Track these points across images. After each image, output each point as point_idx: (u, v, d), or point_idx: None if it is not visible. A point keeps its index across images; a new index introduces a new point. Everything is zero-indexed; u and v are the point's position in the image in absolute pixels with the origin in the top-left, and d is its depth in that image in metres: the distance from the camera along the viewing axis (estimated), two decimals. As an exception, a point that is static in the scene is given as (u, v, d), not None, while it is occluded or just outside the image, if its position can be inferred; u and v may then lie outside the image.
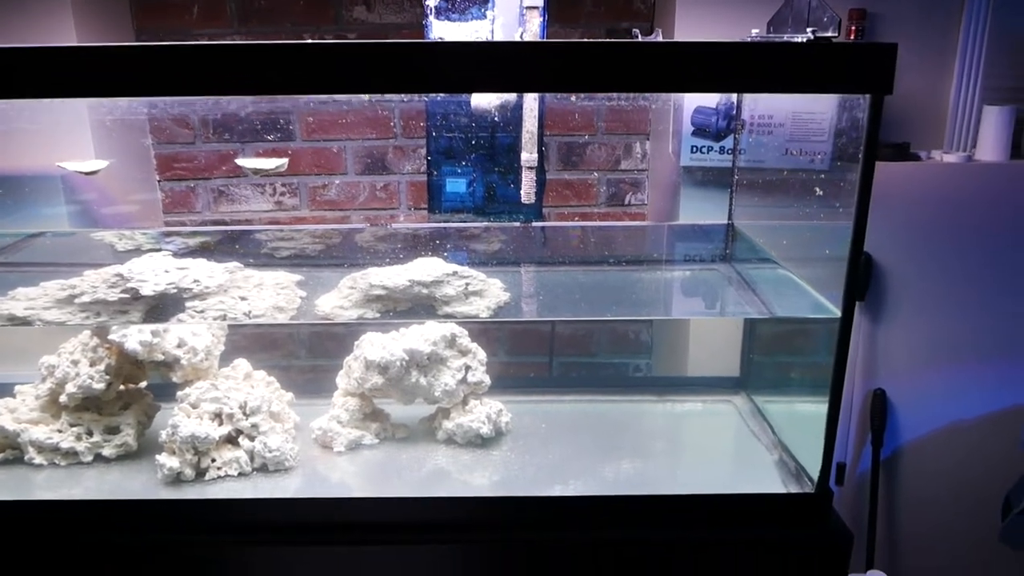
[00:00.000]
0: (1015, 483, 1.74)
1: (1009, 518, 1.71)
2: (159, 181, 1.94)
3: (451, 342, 1.34)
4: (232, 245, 1.58)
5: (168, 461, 1.22)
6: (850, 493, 1.95)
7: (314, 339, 1.97)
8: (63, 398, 1.26)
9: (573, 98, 1.82)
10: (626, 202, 1.96)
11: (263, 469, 1.26)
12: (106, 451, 1.28)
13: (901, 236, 1.78)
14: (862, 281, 1.78)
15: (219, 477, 1.23)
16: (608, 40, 0.99)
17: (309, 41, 0.98)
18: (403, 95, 1.83)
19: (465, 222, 1.54)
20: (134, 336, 1.27)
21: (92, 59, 0.96)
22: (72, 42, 1.65)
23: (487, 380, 1.36)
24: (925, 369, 1.86)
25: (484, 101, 1.39)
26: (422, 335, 1.33)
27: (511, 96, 1.38)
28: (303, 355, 1.99)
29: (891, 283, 1.81)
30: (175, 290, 1.25)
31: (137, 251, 1.48)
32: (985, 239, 1.78)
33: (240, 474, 1.24)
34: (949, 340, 1.84)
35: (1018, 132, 1.79)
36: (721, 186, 1.55)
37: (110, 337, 1.28)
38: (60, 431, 1.27)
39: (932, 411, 1.89)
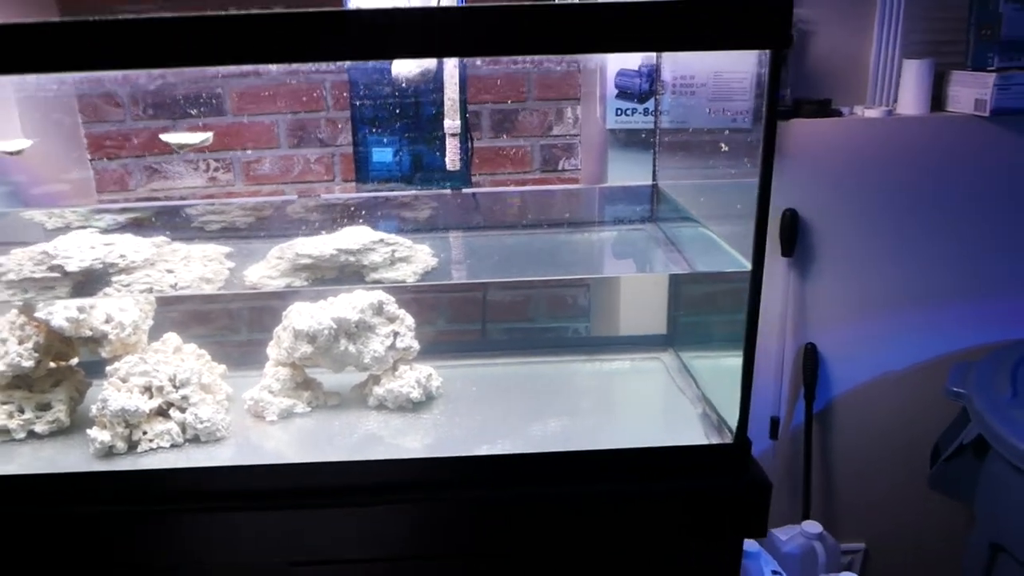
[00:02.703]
0: (944, 430, 1.80)
1: (938, 464, 1.77)
2: (91, 160, 1.92)
3: (378, 309, 1.36)
4: (162, 220, 1.57)
5: (99, 435, 1.22)
6: (785, 446, 2.01)
7: (247, 312, 1.98)
8: (-9, 377, 1.27)
9: (504, 62, 1.83)
10: (560, 167, 1.98)
11: (195, 440, 1.27)
12: (38, 427, 1.28)
13: (826, 192, 1.83)
14: (789, 237, 1.82)
15: (151, 449, 1.25)
16: (510, 4, 1.00)
17: (227, 12, 0.98)
18: (332, 66, 1.84)
19: (392, 191, 1.55)
20: (60, 313, 1.27)
21: (13, 36, 0.95)
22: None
23: (416, 345, 1.38)
24: (854, 322, 1.91)
25: (405, 69, 1.39)
26: (350, 303, 1.35)
27: (432, 63, 1.39)
28: (236, 328, 1.99)
29: (818, 238, 1.85)
30: (100, 265, 1.25)
31: (67, 229, 1.47)
32: (908, 191, 1.83)
33: (172, 445, 1.26)
34: (876, 292, 1.89)
35: (937, 85, 1.83)
36: (646, 147, 1.58)
37: (36, 315, 1.28)
38: (-10, 410, 1.28)
39: (862, 363, 1.95)
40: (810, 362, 1.90)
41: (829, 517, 2.06)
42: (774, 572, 1.66)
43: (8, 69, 1.01)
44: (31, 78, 1.41)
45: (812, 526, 1.83)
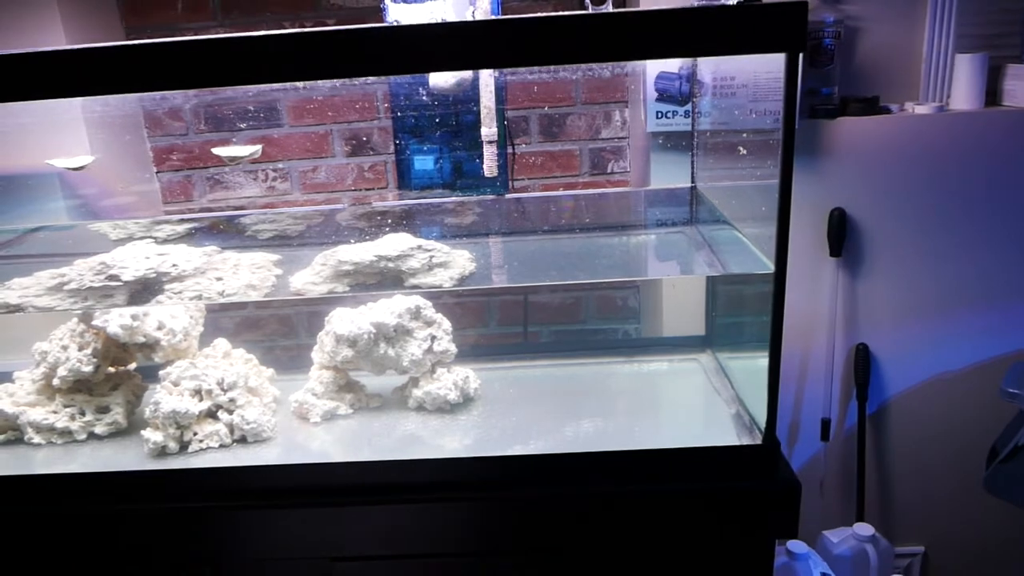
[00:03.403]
0: (1000, 432, 1.74)
1: (992, 466, 1.72)
2: (156, 172, 2.02)
3: (416, 314, 1.40)
4: (218, 230, 1.65)
5: (153, 436, 1.30)
6: (837, 448, 1.97)
7: (296, 317, 2.05)
8: (56, 381, 1.35)
9: (550, 68, 1.85)
10: (609, 170, 1.99)
11: (242, 441, 1.33)
12: (98, 429, 1.37)
13: (875, 191, 1.79)
14: (836, 236, 1.79)
15: (201, 449, 1.31)
16: (543, 15, 1.03)
17: (270, 32, 1.03)
18: (381, 78, 1.89)
19: (438, 198, 1.59)
20: (115, 320, 1.35)
21: (83, 60, 1.03)
22: (61, 42, 1.73)
23: (453, 348, 1.41)
24: (906, 322, 1.86)
25: (442, 80, 1.43)
26: (388, 308, 1.39)
27: (468, 74, 1.42)
28: (283, 333, 2.06)
29: (867, 238, 1.81)
30: (154, 275, 1.32)
31: (128, 240, 1.56)
32: (961, 188, 1.78)
33: (221, 446, 1.32)
34: (928, 292, 1.84)
35: (992, 79, 1.77)
36: (687, 150, 1.58)
37: (95, 322, 1.36)
38: (55, 412, 1.36)
39: (915, 363, 1.90)
40: (862, 363, 1.87)
41: (885, 520, 2.01)
42: (823, 574, 1.64)
43: (81, 91, 1.09)
44: (98, 97, 1.50)
45: (864, 528, 1.80)
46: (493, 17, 1.39)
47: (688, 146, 1.63)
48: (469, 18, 1.40)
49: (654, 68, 1.67)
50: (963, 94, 1.75)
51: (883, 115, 1.76)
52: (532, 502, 1.21)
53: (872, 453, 1.96)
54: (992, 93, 1.79)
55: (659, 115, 1.70)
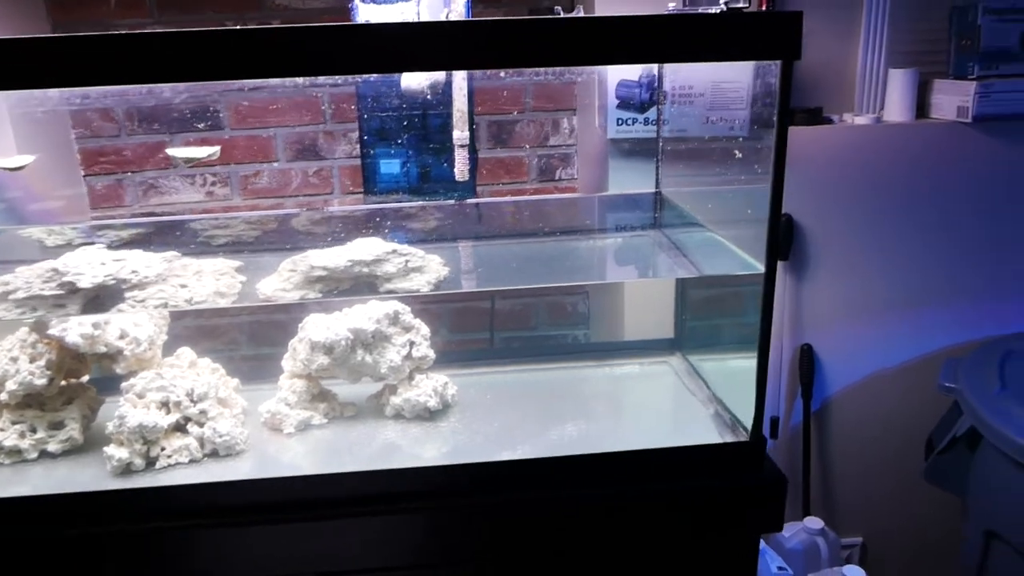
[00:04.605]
0: (937, 424, 1.85)
1: (931, 457, 1.82)
2: (84, 176, 1.91)
3: (394, 319, 1.37)
4: (167, 235, 1.57)
5: (117, 452, 1.22)
6: (784, 445, 2.04)
7: (256, 326, 1.97)
8: (3, 396, 1.25)
9: (503, 74, 1.85)
10: (557, 177, 2.01)
11: (214, 455, 1.27)
12: (51, 447, 1.27)
13: (819, 197, 1.87)
14: (784, 241, 1.86)
15: (169, 465, 1.24)
16: (533, 17, 1.02)
17: (239, 27, 0.99)
18: (332, 79, 1.84)
19: (400, 203, 1.56)
20: (75, 329, 1.26)
21: (7, 51, 0.95)
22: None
23: (431, 354, 1.39)
24: (848, 322, 1.96)
25: (414, 82, 1.41)
26: (365, 314, 1.36)
27: (440, 76, 1.40)
28: (246, 342, 1.99)
29: (811, 242, 1.89)
30: (113, 281, 1.24)
31: (68, 246, 1.46)
32: (897, 195, 1.88)
33: (191, 461, 1.25)
34: (869, 293, 1.94)
35: (921, 93, 1.89)
36: (647, 156, 1.61)
37: (49, 332, 1.27)
38: (2, 430, 1.26)
39: (857, 361, 1.99)
40: (807, 362, 1.94)
41: (828, 512, 2.10)
42: (780, 568, 1.69)
43: (3, 85, 1.01)
44: (24, 92, 1.41)
45: (814, 522, 1.87)
46: (467, 18, 1.38)
47: (647, 152, 1.67)
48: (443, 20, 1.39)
49: (615, 76, 1.69)
50: (896, 106, 1.86)
51: (826, 125, 1.85)
52: (526, 507, 1.20)
53: (816, 448, 2.05)
54: (922, 106, 1.90)
55: (620, 122, 1.73)
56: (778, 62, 1.07)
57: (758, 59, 1.10)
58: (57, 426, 1.29)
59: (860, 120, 1.85)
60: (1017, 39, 1.83)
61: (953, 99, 1.86)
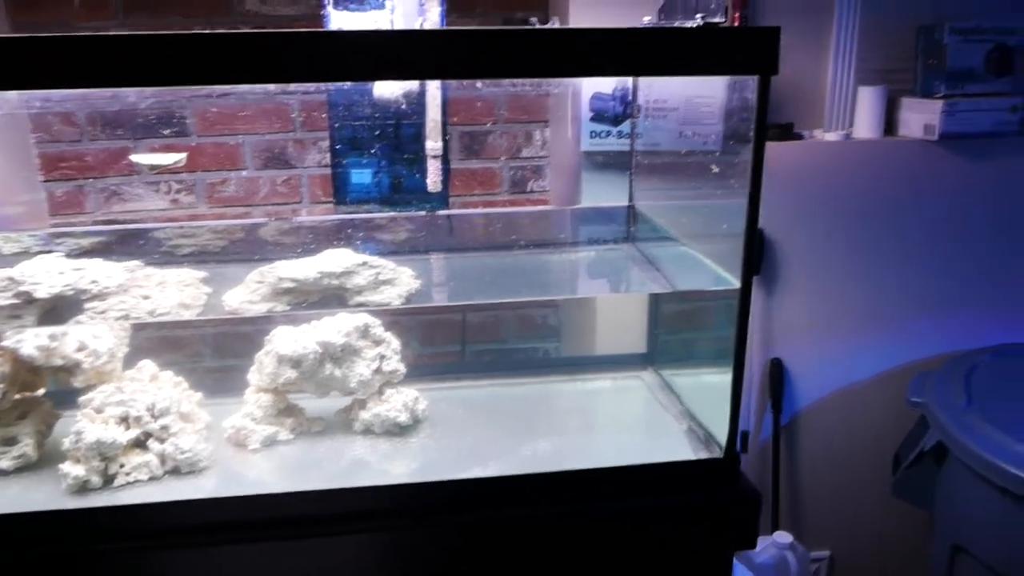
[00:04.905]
0: (904, 438, 1.86)
1: (899, 471, 1.83)
2: (44, 181, 1.85)
3: (364, 332, 1.34)
4: (129, 244, 1.52)
5: (73, 470, 1.17)
6: (754, 459, 2.04)
7: (221, 338, 1.93)
8: (-47, 411, 1.20)
9: (477, 85, 1.83)
10: (528, 189, 1.99)
11: (175, 472, 1.23)
12: (3, 463, 1.22)
13: (790, 213, 1.88)
14: (757, 255, 1.87)
15: (128, 483, 1.20)
16: (510, 27, 1.01)
17: (208, 31, 0.97)
18: (303, 88, 1.82)
19: (370, 213, 1.54)
20: (30, 341, 1.21)
21: None
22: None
23: (402, 368, 1.36)
24: (817, 337, 1.96)
25: (387, 91, 1.39)
26: (335, 327, 1.33)
27: (414, 85, 1.38)
28: (211, 354, 1.94)
29: (782, 257, 1.90)
30: (72, 292, 1.20)
31: (25, 254, 1.41)
32: (865, 211, 1.90)
33: (151, 478, 1.21)
34: (838, 308, 1.95)
35: (889, 110, 1.91)
36: (620, 169, 1.60)
37: (3, 343, 1.22)
38: (-48, 445, 1.21)
39: (826, 376, 2.00)
40: (776, 376, 1.95)
41: (796, 527, 2.10)
42: (750, 585, 1.69)
43: None
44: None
45: (783, 536, 1.87)
46: (442, 27, 1.37)
47: (621, 165, 1.66)
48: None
49: (589, 88, 1.69)
50: (865, 123, 1.87)
51: (797, 141, 1.86)
52: (498, 524, 1.17)
53: (785, 462, 2.05)
54: (890, 123, 1.92)
55: (593, 135, 1.72)
56: (755, 77, 1.06)
57: (736, 74, 1.10)
58: (10, 442, 1.24)
59: (830, 136, 1.87)
60: (982, 59, 1.86)
61: (920, 117, 1.88)
